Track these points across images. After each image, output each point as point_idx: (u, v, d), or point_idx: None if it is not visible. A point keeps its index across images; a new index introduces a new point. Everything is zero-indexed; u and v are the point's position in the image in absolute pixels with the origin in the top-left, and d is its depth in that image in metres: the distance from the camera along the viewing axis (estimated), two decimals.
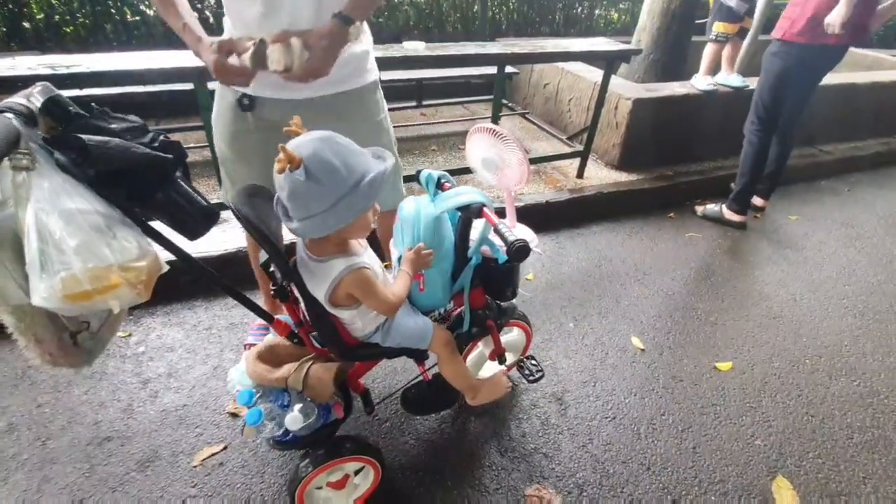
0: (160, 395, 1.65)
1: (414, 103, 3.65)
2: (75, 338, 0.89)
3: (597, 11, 5.29)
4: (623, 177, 3.15)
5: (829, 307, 2.29)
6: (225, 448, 1.50)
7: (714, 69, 3.36)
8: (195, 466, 1.44)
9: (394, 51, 2.26)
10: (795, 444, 1.62)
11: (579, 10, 5.19)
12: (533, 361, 1.63)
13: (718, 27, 3.21)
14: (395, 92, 3.52)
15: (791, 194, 3.35)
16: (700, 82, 3.26)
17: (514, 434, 1.59)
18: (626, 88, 3.16)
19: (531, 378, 1.58)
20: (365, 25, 1.33)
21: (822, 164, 3.68)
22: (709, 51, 3.31)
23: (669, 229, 2.85)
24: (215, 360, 1.79)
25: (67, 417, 1.56)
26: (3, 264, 0.74)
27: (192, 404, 1.62)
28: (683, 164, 3.33)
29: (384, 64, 2.18)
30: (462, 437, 1.58)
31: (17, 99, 0.74)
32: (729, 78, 3.28)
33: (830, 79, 3.02)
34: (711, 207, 2.96)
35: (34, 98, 0.76)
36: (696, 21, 3.80)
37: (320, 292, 1.03)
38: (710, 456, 1.57)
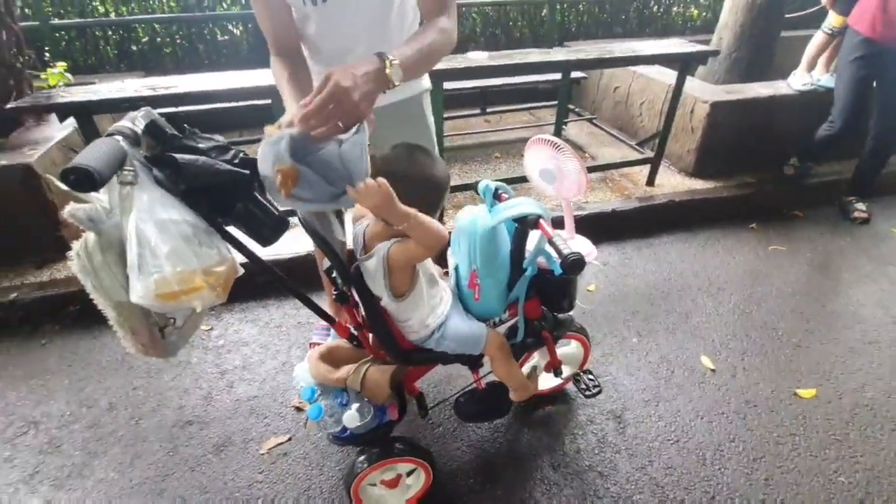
0: (235, 385, 1.80)
1: (478, 110, 3.68)
2: (163, 331, 1.00)
3: (674, 9, 5.02)
4: (699, 184, 2.97)
5: None
6: (289, 439, 1.60)
7: (815, 65, 3.06)
8: (263, 454, 1.56)
9: (456, 62, 2.28)
10: (885, 484, 1.46)
11: (655, 7, 4.96)
12: (590, 376, 1.59)
13: (835, 20, 2.87)
14: (458, 99, 3.54)
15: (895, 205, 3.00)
16: (796, 80, 2.99)
17: (569, 449, 1.56)
18: (704, 91, 2.99)
19: (587, 393, 1.54)
20: None
21: None
22: (816, 42, 3.00)
23: (750, 241, 2.65)
24: (284, 355, 1.92)
25: (157, 401, 1.74)
26: (109, 266, 0.85)
27: (263, 396, 1.75)
28: (768, 172, 3.08)
29: (447, 75, 2.23)
30: (514, 448, 1.58)
31: (125, 123, 0.85)
32: (822, 78, 2.99)
33: None
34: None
35: (138, 121, 0.87)
36: (787, 16, 3.51)
37: (380, 286, 1.07)
38: (784, 490, 1.45)
